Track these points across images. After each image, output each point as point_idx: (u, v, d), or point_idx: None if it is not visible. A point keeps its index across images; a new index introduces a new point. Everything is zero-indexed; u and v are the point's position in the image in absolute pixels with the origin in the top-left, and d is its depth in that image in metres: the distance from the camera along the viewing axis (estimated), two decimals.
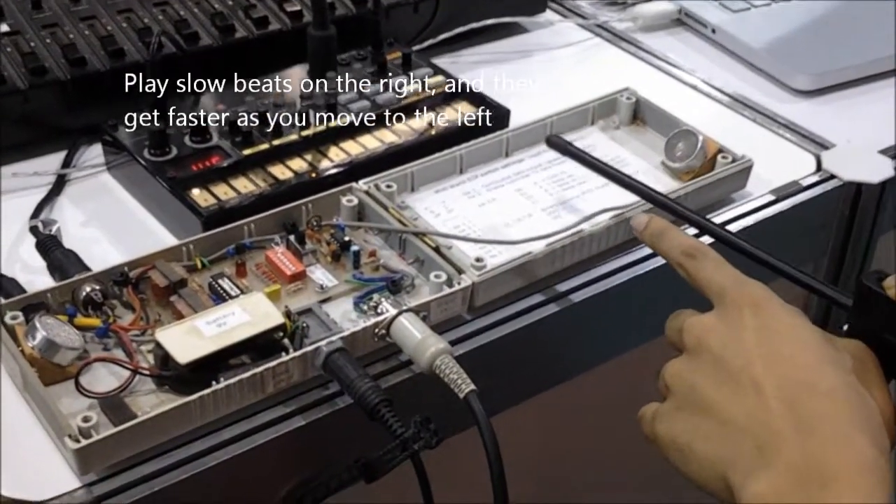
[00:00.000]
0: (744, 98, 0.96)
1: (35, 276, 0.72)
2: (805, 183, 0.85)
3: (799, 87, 0.97)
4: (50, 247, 0.72)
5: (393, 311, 0.66)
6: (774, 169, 0.85)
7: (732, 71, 1.01)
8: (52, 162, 0.84)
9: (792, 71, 0.98)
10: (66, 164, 0.84)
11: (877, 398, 0.52)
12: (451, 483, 0.68)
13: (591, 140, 0.86)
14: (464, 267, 0.70)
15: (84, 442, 0.57)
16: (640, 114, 0.88)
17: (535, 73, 1.00)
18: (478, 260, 0.70)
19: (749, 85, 0.99)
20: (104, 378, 0.63)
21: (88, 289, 0.66)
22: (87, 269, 0.70)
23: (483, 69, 0.99)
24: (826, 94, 0.97)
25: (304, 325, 0.65)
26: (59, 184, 0.82)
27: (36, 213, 0.78)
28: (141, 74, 0.82)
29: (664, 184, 0.81)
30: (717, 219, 0.80)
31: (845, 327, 0.56)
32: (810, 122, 0.92)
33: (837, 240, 0.89)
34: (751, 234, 0.80)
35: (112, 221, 0.79)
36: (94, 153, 0.85)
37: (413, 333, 0.65)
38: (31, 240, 0.74)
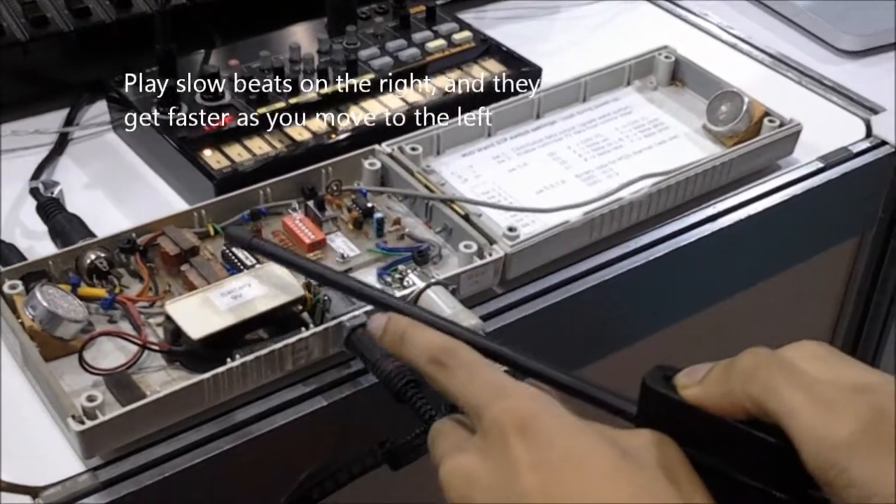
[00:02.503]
0: (787, 58, 0.91)
1: (35, 242, 0.67)
2: (855, 150, 0.80)
3: (845, 47, 0.92)
4: (51, 210, 0.68)
5: (420, 284, 0.61)
6: (821, 134, 0.80)
7: (774, 30, 0.96)
8: (53, 119, 0.79)
9: (838, 30, 0.92)
10: (69, 121, 0.79)
11: (694, 496, 0.41)
12: None
13: (628, 101, 0.81)
14: (495, 237, 0.65)
15: (89, 423, 0.52)
16: (679, 74, 0.83)
17: (565, 30, 0.95)
18: (510, 229, 0.66)
19: (792, 45, 0.93)
20: (110, 353, 0.58)
21: (93, 256, 0.62)
22: (92, 234, 0.65)
23: (510, 25, 0.93)
24: (874, 55, 0.92)
25: (326, 298, 0.60)
26: (62, 143, 0.77)
27: (37, 175, 0.73)
28: (149, 26, 0.77)
29: (706, 149, 0.76)
30: (762, 187, 0.75)
31: None
32: (858, 85, 0.87)
33: (886, 211, 0.84)
34: (797, 204, 0.75)
35: (118, 184, 0.74)
36: (98, 110, 0.80)
37: (442, 308, 0.60)
38: (32, 203, 0.70)
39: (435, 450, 0.47)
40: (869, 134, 0.81)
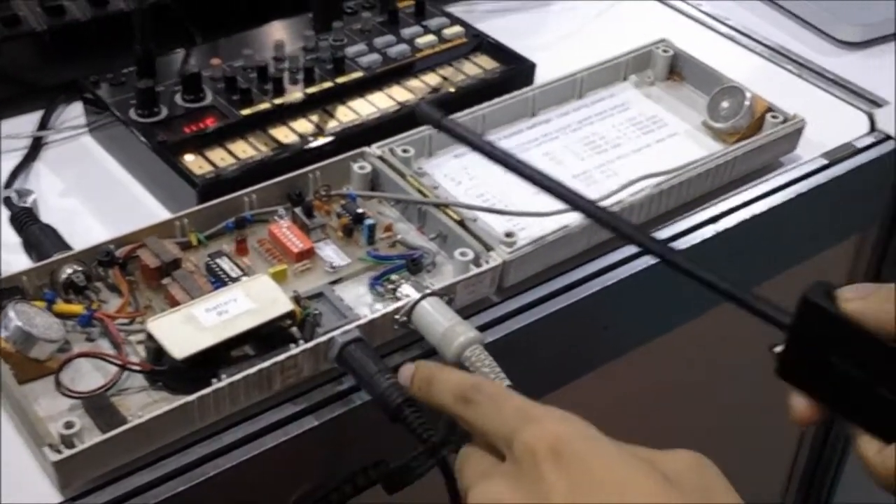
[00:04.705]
0: (786, 50, 0.88)
1: (8, 255, 0.64)
2: (859, 145, 0.77)
3: (844, 38, 0.89)
4: (25, 221, 0.64)
5: (415, 295, 0.58)
6: (824, 129, 0.77)
7: (771, 20, 0.93)
8: (26, 123, 0.76)
9: (836, 20, 0.90)
10: (43, 125, 0.76)
11: None
12: None
13: (625, 97, 0.78)
14: (492, 243, 0.63)
15: (66, 452, 0.50)
16: (677, 68, 0.80)
17: (556, 23, 0.92)
18: (508, 235, 0.63)
19: (790, 36, 0.91)
20: (88, 373, 0.55)
21: (69, 270, 0.59)
22: (68, 247, 0.62)
23: (500, 19, 0.90)
24: (874, 46, 0.89)
25: (316, 311, 0.57)
26: (35, 148, 0.74)
27: (9, 182, 0.70)
28: (126, 24, 0.73)
29: (707, 146, 0.74)
30: (765, 186, 0.73)
31: (777, 349, 0.45)
32: (859, 77, 0.84)
33: (889, 206, 0.82)
34: (802, 203, 0.73)
35: (95, 191, 0.71)
36: (73, 113, 0.77)
37: (438, 320, 0.57)
38: (4, 213, 0.66)
39: (463, 477, 0.46)
40: (873, 128, 0.79)
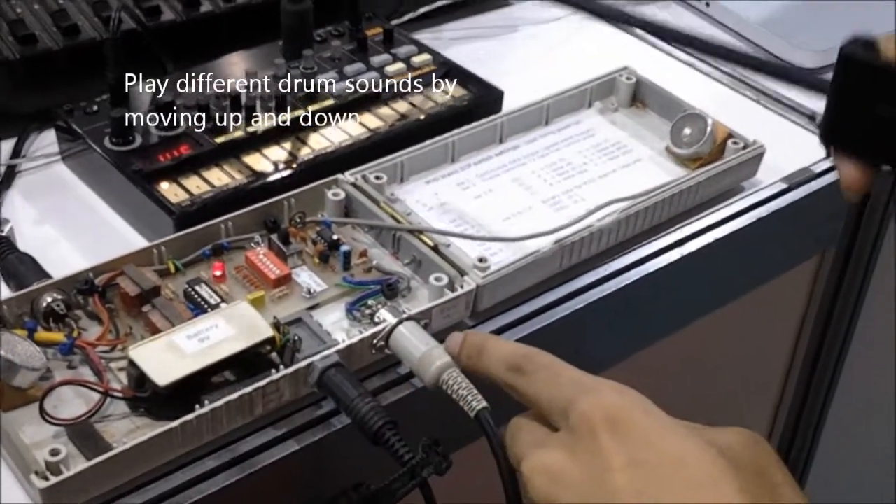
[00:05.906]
0: (744, 76, 0.90)
1: None
2: (817, 169, 0.79)
3: (800, 63, 0.92)
4: (3, 250, 0.65)
5: (392, 320, 0.59)
6: (782, 154, 0.79)
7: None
8: None
9: (793, 47, 0.92)
10: (16, 153, 0.76)
11: (789, 496, 0.41)
12: (453, 498, 0.62)
13: (590, 124, 0.80)
14: (465, 268, 0.64)
15: (53, 480, 0.50)
16: (640, 95, 0.82)
17: (521, 50, 0.94)
18: (481, 260, 0.64)
19: None
20: (70, 401, 0.56)
21: (49, 299, 0.59)
22: (47, 275, 0.62)
23: (466, 46, 0.92)
24: (829, 72, 0.91)
25: (296, 338, 0.58)
26: (9, 176, 0.74)
27: None
28: (99, 53, 0.74)
29: (670, 171, 0.76)
30: (728, 210, 0.75)
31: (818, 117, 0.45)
32: (814, 103, 0.87)
33: (847, 228, 0.84)
34: (763, 226, 0.75)
35: (71, 219, 0.71)
36: (46, 141, 0.77)
37: (416, 345, 0.58)
38: None
39: (514, 446, 0.45)
40: (830, 153, 0.81)
